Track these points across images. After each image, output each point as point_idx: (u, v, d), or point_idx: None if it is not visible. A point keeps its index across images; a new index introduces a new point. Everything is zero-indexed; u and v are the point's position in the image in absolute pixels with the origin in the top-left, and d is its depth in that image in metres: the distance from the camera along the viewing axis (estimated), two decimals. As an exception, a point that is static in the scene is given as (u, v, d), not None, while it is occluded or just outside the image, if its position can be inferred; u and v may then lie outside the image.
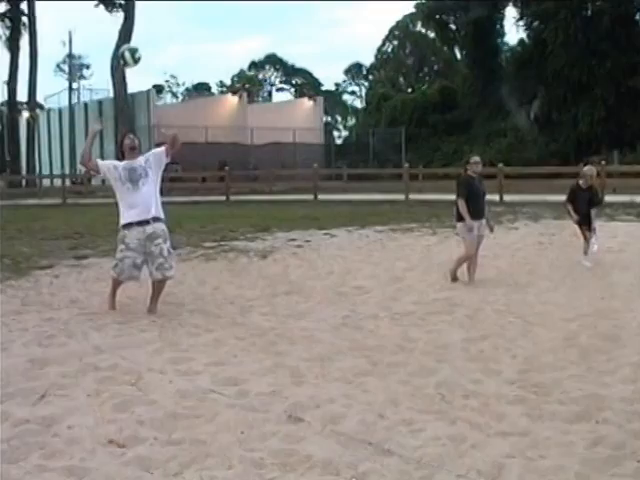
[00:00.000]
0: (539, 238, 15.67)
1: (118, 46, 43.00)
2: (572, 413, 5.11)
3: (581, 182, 12.25)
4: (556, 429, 4.84)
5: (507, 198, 26.07)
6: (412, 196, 28.86)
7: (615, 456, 4.39)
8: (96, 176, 8.75)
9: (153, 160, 8.66)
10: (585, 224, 12.12)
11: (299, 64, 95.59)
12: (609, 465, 4.29)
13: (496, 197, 25.12)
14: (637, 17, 52.36)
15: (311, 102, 59.15)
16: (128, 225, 8.42)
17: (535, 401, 5.38)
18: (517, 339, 7.29)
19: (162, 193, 8.80)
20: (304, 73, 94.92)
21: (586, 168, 12.72)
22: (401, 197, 28.83)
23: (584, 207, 12.08)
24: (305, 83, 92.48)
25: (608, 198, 22.05)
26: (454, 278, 10.73)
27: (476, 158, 10.87)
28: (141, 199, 8.45)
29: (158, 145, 9.03)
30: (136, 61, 8.91)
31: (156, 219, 8.52)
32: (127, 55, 8.90)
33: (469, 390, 5.64)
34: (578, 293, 9.72)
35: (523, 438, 4.69)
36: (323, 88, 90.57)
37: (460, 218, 10.55)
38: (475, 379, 5.93)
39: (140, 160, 8.58)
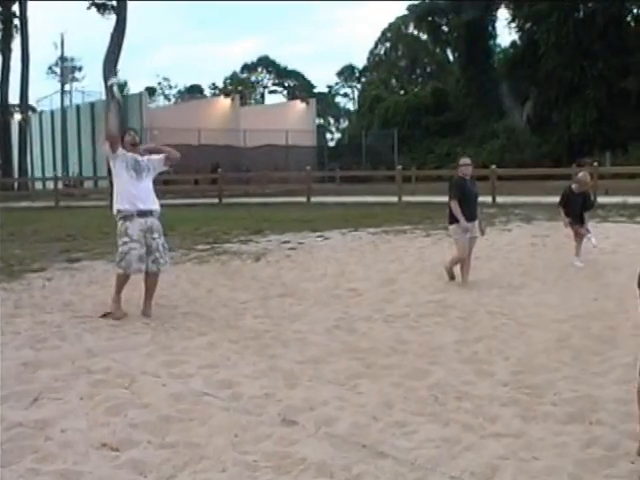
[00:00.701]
0: (532, 240, 15.69)
1: (110, 49, 42.96)
2: (565, 414, 5.12)
3: (574, 187, 12.31)
4: (549, 430, 4.85)
5: (500, 200, 26.10)
6: (405, 198, 28.91)
7: (609, 457, 4.40)
8: (109, 155, 8.71)
9: (152, 163, 8.81)
10: (578, 224, 12.18)
11: (291, 66, 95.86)
12: (603, 466, 4.29)
13: (489, 199, 25.16)
14: (629, 19, 52.56)
15: (304, 104, 59.13)
16: (129, 216, 8.42)
17: (528, 402, 5.38)
18: (510, 341, 7.30)
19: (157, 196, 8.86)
20: (296, 75, 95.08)
21: (580, 174, 12.78)
22: (394, 199, 28.86)
23: (577, 210, 12.15)
24: (297, 85, 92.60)
25: (600, 199, 22.15)
26: (452, 276, 10.77)
27: (465, 160, 10.90)
28: (143, 190, 8.57)
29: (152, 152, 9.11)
30: (124, 96, 9.28)
31: (154, 213, 8.63)
32: (115, 90, 9.31)
33: (462, 392, 5.64)
34: (571, 294, 9.74)
35: (516, 439, 4.70)
36: (316, 90, 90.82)
37: (453, 220, 10.57)
38: (468, 381, 5.94)
39: (143, 157, 8.71)
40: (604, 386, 5.75)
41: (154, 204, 8.67)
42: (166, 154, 8.94)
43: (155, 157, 8.90)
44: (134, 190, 8.49)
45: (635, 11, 53.15)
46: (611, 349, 6.85)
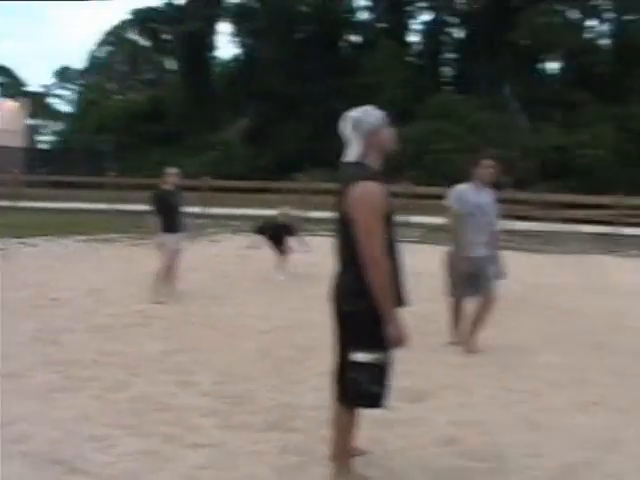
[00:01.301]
0: (240, 251, 15.97)
1: None
2: (264, 422, 5.26)
3: (279, 217, 12.92)
4: (248, 439, 4.96)
5: (212, 211, 26.37)
6: (116, 206, 28.38)
7: (302, 462, 4.59)
8: None
9: None
10: (279, 246, 12.71)
11: (2, 62, 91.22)
12: (297, 471, 4.47)
13: (200, 209, 25.33)
14: (340, 44, 55.26)
15: (14, 103, 56.47)
16: None
17: (228, 412, 5.48)
18: (214, 351, 7.40)
19: None
20: (6, 72, 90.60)
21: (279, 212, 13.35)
22: (105, 207, 28.33)
23: (279, 236, 12.71)
24: (8, 83, 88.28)
25: (312, 214, 22.99)
26: (157, 302, 10.15)
27: (170, 170, 10.84)
28: None
29: None
30: None
31: None
32: None
33: (163, 403, 5.63)
34: (276, 305, 10.05)
35: (216, 449, 4.77)
36: (29, 89, 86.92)
37: (158, 231, 10.51)
38: (170, 392, 5.94)
39: None
40: (301, 394, 5.97)
41: None
42: None
43: None
44: None
45: (347, 37, 56.05)
46: (309, 359, 7.15)
